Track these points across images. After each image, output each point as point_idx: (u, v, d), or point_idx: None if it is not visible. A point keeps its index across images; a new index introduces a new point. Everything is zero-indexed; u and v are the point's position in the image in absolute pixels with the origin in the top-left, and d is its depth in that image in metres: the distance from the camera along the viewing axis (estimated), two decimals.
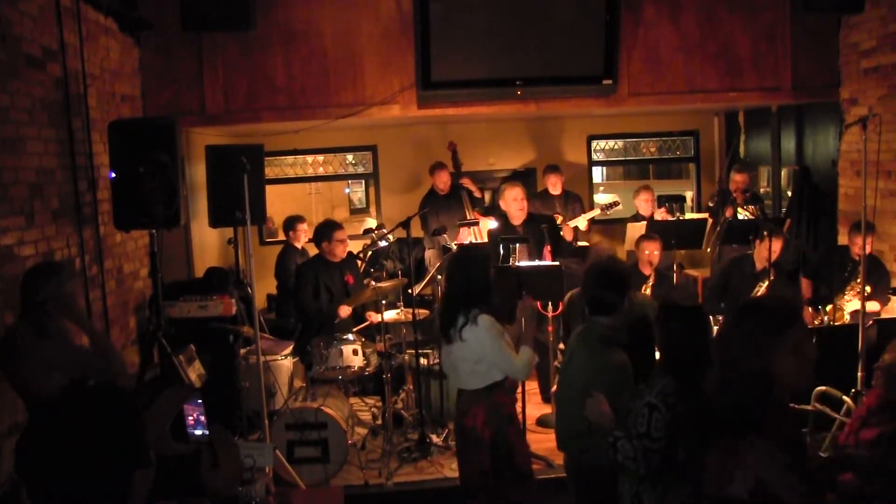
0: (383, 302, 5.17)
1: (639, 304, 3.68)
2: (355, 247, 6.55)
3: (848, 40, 6.34)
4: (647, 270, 5.61)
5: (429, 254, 7.15)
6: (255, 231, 7.92)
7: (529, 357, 3.66)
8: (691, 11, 6.47)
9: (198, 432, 2.42)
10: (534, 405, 5.62)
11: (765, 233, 5.24)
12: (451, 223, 6.62)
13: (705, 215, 6.93)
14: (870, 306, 4.85)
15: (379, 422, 5.38)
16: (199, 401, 2.44)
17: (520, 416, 5.08)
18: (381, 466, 4.81)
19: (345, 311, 5.42)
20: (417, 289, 5.61)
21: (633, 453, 2.70)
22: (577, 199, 7.24)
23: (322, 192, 11.68)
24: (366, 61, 6.30)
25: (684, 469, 2.66)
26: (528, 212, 5.75)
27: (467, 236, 6.52)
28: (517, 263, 5.08)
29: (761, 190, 8.14)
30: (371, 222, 8.35)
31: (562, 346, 5.11)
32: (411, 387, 5.43)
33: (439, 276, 5.83)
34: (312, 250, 6.07)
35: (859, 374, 4.41)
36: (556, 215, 6.85)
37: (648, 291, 5.53)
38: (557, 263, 5.10)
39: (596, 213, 6.97)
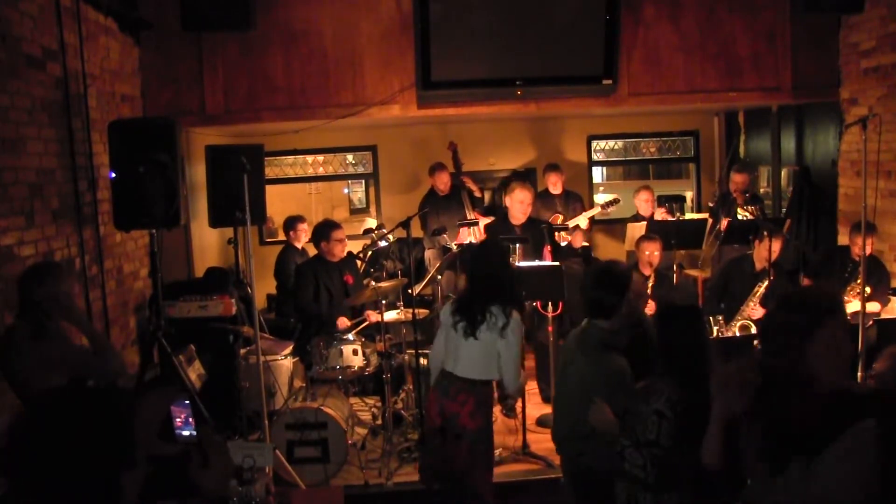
0: (383, 302, 5.18)
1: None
2: (355, 247, 6.55)
3: (848, 40, 6.34)
4: (647, 271, 5.61)
5: (429, 254, 7.16)
6: (255, 231, 7.93)
7: (524, 379, 3.73)
8: (691, 11, 6.47)
9: (185, 433, 2.42)
10: (534, 405, 5.62)
11: (765, 233, 5.24)
12: (451, 223, 6.62)
13: (705, 215, 6.93)
14: (870, 307, 4.85)
15: (379, 422, 5.38)
16: (187, 402, 2.43)
17: (519, 416, 5.13)
18: (381, 466, 4.81)
19: (343, 322, 5.45)
20: (417, 289, 5.61)
21: (643, 461, 2.68)
22: (577, 199, 7.25)
23: (322, 192, 11.69)
24: (366, 61, 6.31)
25: (681, 474, 2.65)
26: (530, 216, 5.73)
27: (467, 236, 6.53)
28: (517, 263, 5.08)
29: (761, 190, 8.14)
30: (371, 222, 8.35)
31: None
32: (411, 387, 5.43)
33: (439, 277, 5.83)
34: (312, 250, 6.07)
35: (859, 374, 4.40)
36: (556, 215, 6.86)
37: (648, 292, 5.54)
38: (557, 263, 5.10)
39: (596, 211, 6.98)
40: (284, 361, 5.07)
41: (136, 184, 4.14)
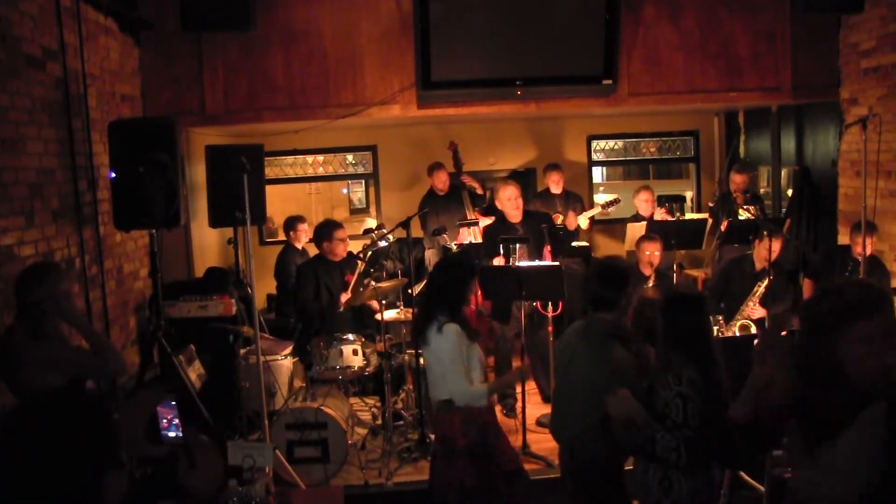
0: (383, 302, 5.18)
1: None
2: (355, 247, 6.54)
3: (848, 40, 6.34)
4: (647, 271, 5.61)
5: (429, 254, 7.16)
6: (255, 231, 7.92)
7: (494, 389, 3.67)
8: (691, 11, 6.47)
9: (171, 434, 2.42)
10: (534, 405, 5.61)
11: (765, 233, 5.24)
12: (451, 223, 6.62)
13: (705, 215, 6.93)
14: None
15: (379, 422, 5.38)
16: (173, 403, 2.43)
17: (519, 416, 5.12)
18: (381, 466, 4.81)
19: (344, 296, 5.49)
20: (417, 289, 5.61)
21: (675, 444, 2.73)
22: (577, 199, 7.25)
23: (322, 192, 11.69)
24: (366, 61, 6.31)
25: (709, 454, 2.74)
26: (525, 209, 5.75)
27: (467, 236, 6.53)
28: (518, 263, 5.08)
29: (761, 190, 8.14)
30: (371, 222, 8.35)
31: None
32: (411, 387, 5.43)
33: None
34: (312, 250, 6.07)
35: None
36: (555, 215, 6.86)
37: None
38: (557, 263, 5.10)
39: (597, 210, 6.98)
40: (284, 361, 5.07)
41: (136, 184, 4.14)
